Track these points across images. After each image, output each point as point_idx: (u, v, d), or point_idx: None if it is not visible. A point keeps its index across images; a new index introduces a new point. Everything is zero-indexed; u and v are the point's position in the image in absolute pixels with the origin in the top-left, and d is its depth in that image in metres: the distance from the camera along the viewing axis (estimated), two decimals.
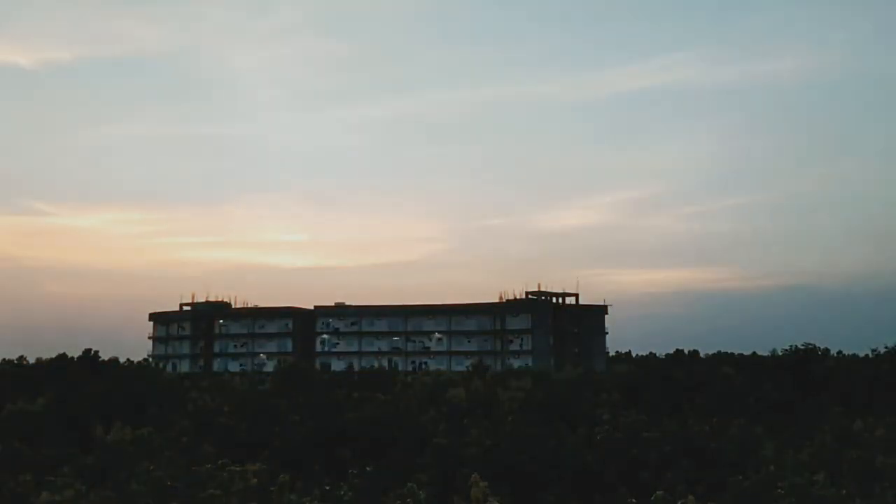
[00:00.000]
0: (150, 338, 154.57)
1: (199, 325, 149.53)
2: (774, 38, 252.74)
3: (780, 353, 76.87)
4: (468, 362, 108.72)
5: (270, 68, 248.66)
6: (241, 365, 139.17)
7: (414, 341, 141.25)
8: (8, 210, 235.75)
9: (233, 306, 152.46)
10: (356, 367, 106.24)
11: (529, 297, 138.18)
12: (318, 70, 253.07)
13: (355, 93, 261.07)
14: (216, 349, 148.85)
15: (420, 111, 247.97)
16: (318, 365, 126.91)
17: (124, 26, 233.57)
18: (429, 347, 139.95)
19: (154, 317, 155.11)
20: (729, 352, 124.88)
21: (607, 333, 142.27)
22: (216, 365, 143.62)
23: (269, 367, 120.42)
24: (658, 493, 21.67)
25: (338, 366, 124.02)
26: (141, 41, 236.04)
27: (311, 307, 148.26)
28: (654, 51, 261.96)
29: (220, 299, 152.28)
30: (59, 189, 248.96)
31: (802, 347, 74.05)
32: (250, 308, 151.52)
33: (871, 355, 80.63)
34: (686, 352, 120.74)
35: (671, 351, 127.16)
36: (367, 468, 26.90)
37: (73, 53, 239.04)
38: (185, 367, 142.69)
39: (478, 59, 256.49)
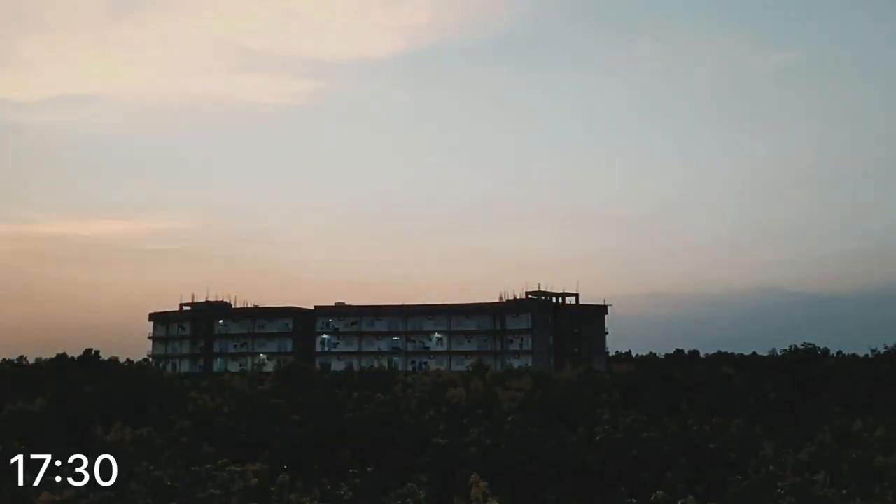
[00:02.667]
0: (150, 338, 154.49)
1: (199, 325, 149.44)
2: None
3: (780, 354, 76.91)
4: (468, 362, 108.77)
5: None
6: (241, 365, 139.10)
7: (414, 341, 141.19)
8: (8, 219, 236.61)
9: (233, 306, 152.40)
10: (356, 367, 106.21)
11: (529, 297, 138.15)
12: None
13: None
14: (216, 349, 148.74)
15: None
16: (318, 365, 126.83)
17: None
18: (429, 347, 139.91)
19: (154, 317, 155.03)
20: (729, 352, 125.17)
21: (607, 333, 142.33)
22: (216, 365, 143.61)
23: (269, 367, 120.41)
24: (658, 493, 21.68)
25: (338, 366, 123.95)
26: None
27: (311, 307, 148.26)
28: None
29: (220, 299, 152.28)
30: (57, 198, 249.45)
31: (802, 348, 74.04)
32: (250, 308, 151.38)
33: (870, 355, 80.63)
34: (686, 352, 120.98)
35: (671, 351, 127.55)
36: (367, 468, 26.87)
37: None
38: (185, 367, 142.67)
39: None
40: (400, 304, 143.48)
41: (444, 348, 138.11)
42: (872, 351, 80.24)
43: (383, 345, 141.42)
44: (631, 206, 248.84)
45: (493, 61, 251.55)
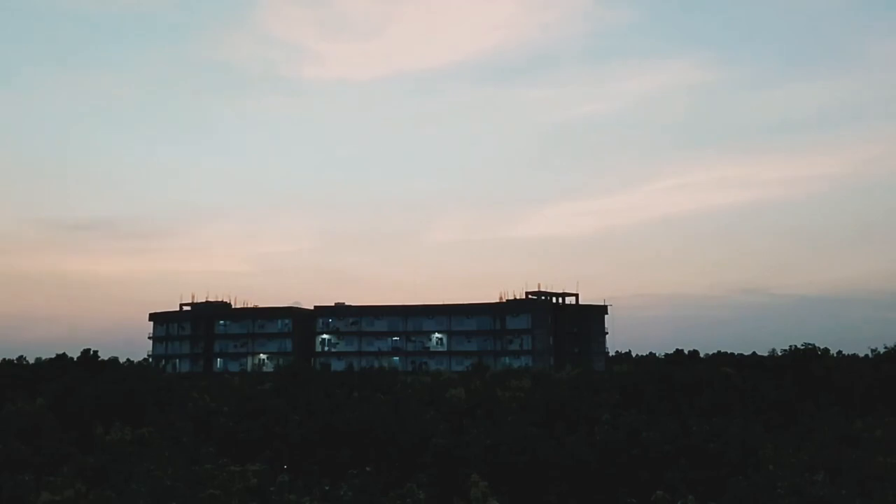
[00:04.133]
0: (150, 338, 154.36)
1: (199, 325, 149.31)
2: None
3: (780, 354, 76.66)
4: (468, 362, 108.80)
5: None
6: (241, 365, 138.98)
7: (414, 341, 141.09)
8: (7, 220, 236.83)
9: (233, 306, 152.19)
10: (356, 367, 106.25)
11: (529, 297, 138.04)
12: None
13: None
14: (216, 349, 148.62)
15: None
16: (318, 365, 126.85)
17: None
18: (429, 347, 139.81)
19: (154, 317, 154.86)
20: (729, 352, 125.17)
21: (607, 333, 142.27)
22: (216, 365, 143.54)
23: (269, 367, 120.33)
24: (658, 493, 21.66)
25: (338, 366, 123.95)
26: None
27: (311, 307, 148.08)
28: None
29: (220, 299, 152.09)
30: (57, 199, 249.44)
31: (802, 348, 73.78)
32: (250, 308, 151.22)
33: (870, 355, 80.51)
34: (686, 352, 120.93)
35: (671, 351, 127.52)
36: (367, 468, 26.80)
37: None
38: (185, 367, 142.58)
39: None
40: (400, 304, 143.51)
41: (444, 348, 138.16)
42: (872, 351, 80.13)
43: (383, 345, 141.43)
44: (631, 207, 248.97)
45: (493, 77, 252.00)
